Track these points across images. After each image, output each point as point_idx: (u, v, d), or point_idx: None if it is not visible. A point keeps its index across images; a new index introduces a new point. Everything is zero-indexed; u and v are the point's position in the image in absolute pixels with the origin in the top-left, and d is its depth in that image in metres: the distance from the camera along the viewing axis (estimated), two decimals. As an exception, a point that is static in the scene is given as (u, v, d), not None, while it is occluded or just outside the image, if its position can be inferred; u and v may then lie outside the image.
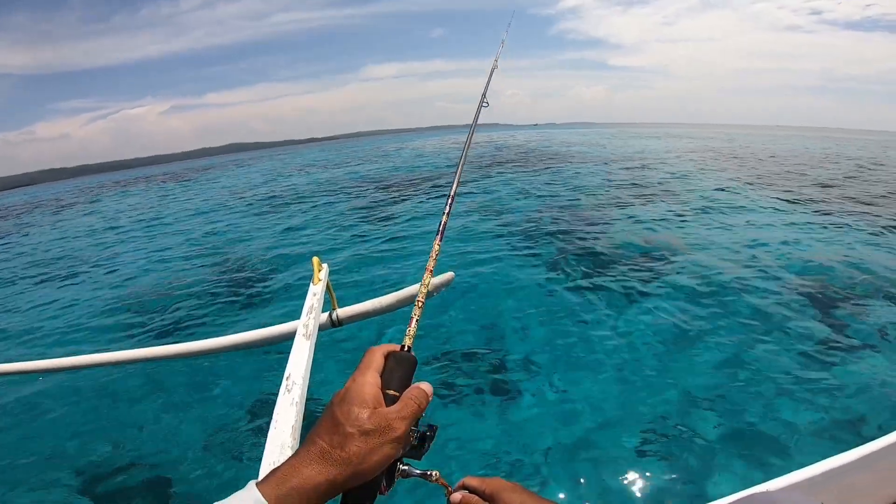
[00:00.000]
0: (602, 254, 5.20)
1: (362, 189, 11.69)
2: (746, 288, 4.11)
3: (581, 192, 9.33)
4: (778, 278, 4.34)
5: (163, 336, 4.06)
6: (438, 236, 0.84)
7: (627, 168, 13.72)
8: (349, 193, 11.22)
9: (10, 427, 3.03)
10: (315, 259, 2.40)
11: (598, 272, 4.60)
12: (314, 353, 1.96)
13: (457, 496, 0.62)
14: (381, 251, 5.89)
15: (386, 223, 7.46)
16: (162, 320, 4.45)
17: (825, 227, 6.20)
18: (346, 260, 5.64)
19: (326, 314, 3.19)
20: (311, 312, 2.02)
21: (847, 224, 6.44)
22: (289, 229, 8.07)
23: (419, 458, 0.59)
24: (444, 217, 0.89)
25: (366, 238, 6.65)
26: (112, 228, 11.22)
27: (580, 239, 5.76)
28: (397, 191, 10.89)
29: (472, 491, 0.62)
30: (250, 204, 11.85)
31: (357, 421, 0.49)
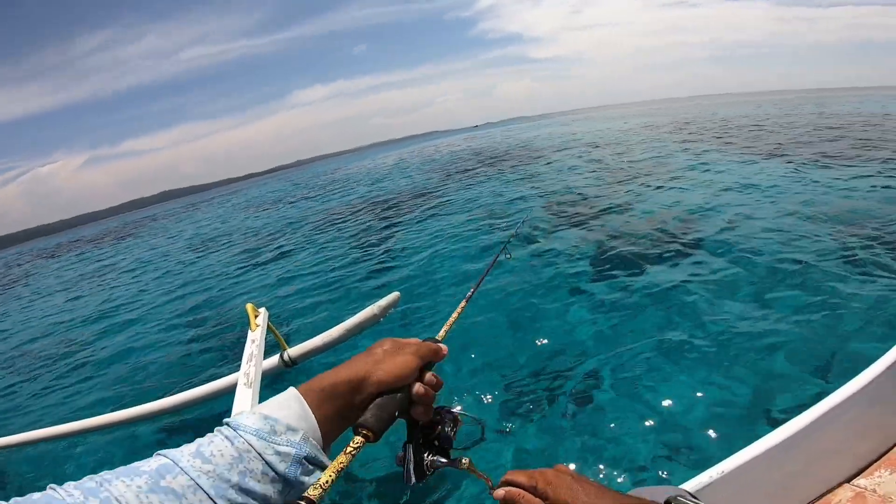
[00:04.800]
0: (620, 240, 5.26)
1: (309, 225, 11.45)
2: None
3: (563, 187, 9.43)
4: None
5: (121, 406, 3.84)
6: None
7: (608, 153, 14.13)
8: (296, 232, 10.95)
9: None
10: (249, 306, 2.41)
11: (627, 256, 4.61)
12: (262, 399, 1.98)
13: (500, 492, 0.60)
14: (334, 285, 5.85)
15: (334, 256, 7.41)
16: (113, 390, 4.23)
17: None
18: (300, 299, 5.56)
19: (277, 357, 3.18)
20: (251, 360, 2.04)
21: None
22: (235, 275, 7.85)
23: (448, 453, 0.61)
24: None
25: (316, 273, 6.58)
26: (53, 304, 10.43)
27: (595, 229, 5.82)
28: (341, 221, 10.76)
29: (518, 487, 0.60)
30: (193, 258, 11.39)
31: (386, 341, 0.62)
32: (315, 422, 0.51)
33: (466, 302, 0.95)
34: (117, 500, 0.39)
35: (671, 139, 15.74)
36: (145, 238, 21.55)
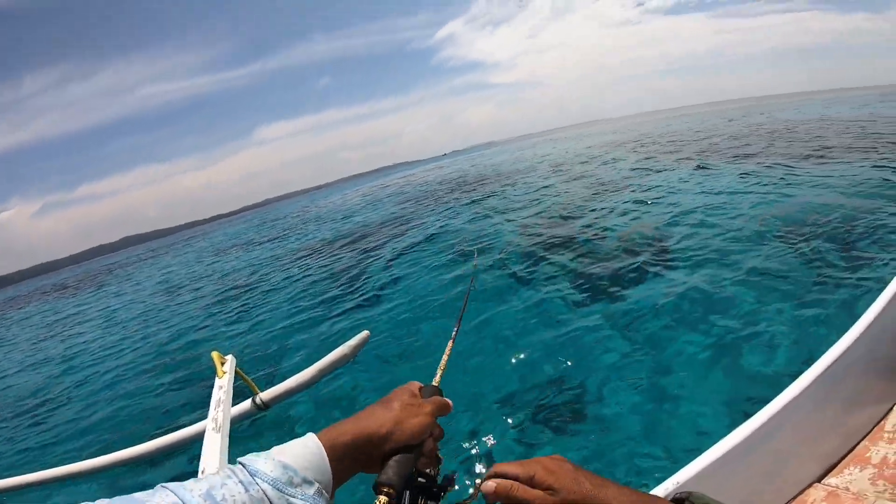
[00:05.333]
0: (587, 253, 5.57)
1: (276, 266, 11.32)
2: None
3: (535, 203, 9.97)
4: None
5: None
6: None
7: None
8: (263, 274, 10.80)
9: None
10: (215, 354, 2.46)
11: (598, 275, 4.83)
12: (232, 444, 2.03)
13: (490, 485, 0.56)
14: (304, 325, 5.86)
15: (303, 295, 7.41)
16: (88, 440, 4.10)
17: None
18: (270, 341, 5.54)
19: (249, 401, 3.20)
20: (219, 406, 2.11)
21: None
22: (203, 320, 7.73)
23: (438, 497, 0.61)
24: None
25: (285, 314, 6.56)
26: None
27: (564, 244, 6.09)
28: (309, 259, 10.70)
29: (509, 478, 0.56)
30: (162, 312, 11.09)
31: (402, 394, 0.62)
32: (331, 474, 0.51)
33: (453, 342, 0.95)
34: None
35: (617, 155, 16.58)
36: (111, 285, 20.79)
